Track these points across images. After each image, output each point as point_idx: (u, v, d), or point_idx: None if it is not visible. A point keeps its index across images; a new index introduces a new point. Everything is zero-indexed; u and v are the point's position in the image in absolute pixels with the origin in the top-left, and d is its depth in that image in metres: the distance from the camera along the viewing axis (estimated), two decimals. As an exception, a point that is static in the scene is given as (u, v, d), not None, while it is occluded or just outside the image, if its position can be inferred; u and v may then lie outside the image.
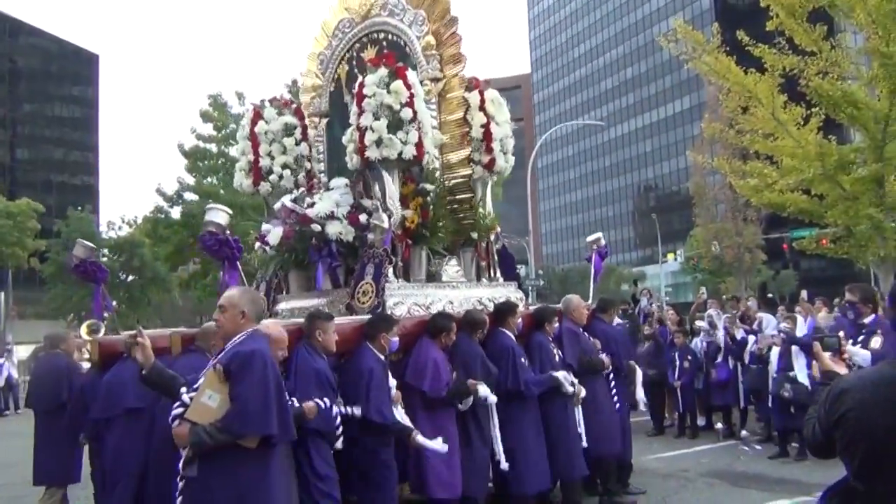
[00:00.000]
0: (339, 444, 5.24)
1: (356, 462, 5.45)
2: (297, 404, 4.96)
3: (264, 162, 8.24)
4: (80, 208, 47.43)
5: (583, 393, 6.98)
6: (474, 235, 7.73)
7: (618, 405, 7.58)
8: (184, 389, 4.04)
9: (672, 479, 8.42)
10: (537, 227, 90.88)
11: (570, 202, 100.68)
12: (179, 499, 3.89)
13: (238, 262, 6.48)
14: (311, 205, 7.37)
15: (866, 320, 6.47)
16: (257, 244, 7.86)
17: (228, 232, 6.49)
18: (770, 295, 15.70)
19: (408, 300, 6.73)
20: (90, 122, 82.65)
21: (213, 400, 3.90)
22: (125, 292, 42.36)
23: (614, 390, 7.61)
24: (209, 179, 29.66)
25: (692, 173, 46.58)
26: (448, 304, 6.97)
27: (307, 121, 8.50)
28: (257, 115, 8.35)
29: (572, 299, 7.71)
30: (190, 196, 29.65)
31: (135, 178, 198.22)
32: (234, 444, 3.83)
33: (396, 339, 5.89)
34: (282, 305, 7.42)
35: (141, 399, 5.52)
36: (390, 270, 6.66)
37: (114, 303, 7.52)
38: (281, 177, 8.20)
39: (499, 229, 8.21)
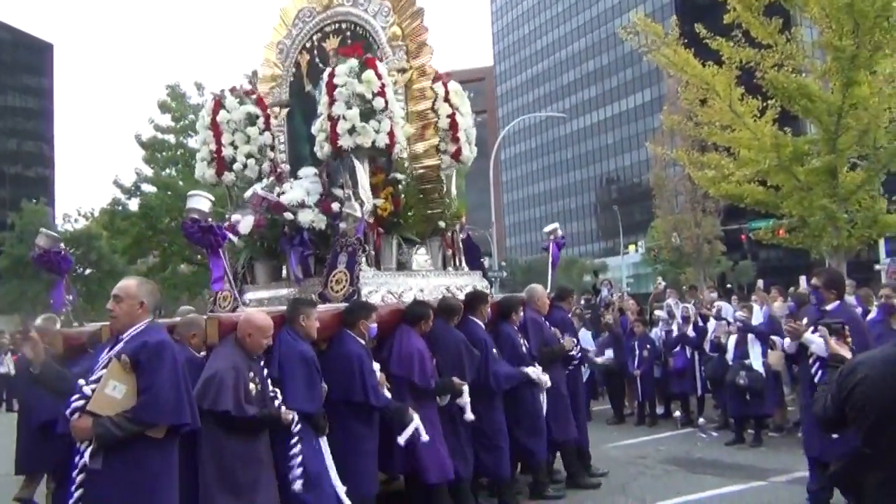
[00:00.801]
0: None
1: (338, 448, 5.46)
2: (279, 397, 4.99)
3: (227, 151, 8.14)
4: (34, 200, 46.53)
5: (548, 382, 7.14)
6: (442, 224, 7.79)
7: (574, 393, 7.81)
8: (82, 381, 3.95)
9: (631, 466, 8.53)
10: (500, 219, 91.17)
11: (533, 194, 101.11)
12: (78, 492, 3.80)
13: (221, 251, 6.38)
14: (281, 194, 7.34)
15: (829, 307, 6.20)
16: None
17: (210, 219, 6.39)
18: (729, 285, 15.94)
19: (381, 288, 6.79)
20: (45, 112, 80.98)
21: (119, 391, 3.85)
22: (82, 286, 41.64)
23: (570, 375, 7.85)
24: (168, 171, 29.22)
25: (652, 165, 47.12)
26: (419, 293, 7.03)
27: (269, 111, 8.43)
28: (218, 105, 8.25)
29: (536, 289, 7.86)
30: (148, 188, 29.18)
31: (91, 169, 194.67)
32: (141, 435, 3.84)
33: (375, 325, 5.95)
34: (249, 296, 7.36)
35: None
36: (363, 259, 6.70)
37: (71, 296, 7.38)
38: (245, 166, 8.13)
39: (464, 218, 8.28)
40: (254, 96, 8.37)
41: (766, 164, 17.23)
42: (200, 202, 6.41)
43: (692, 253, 42.80)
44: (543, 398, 7.17)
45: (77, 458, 3.84)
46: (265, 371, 5.08)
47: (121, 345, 3.97)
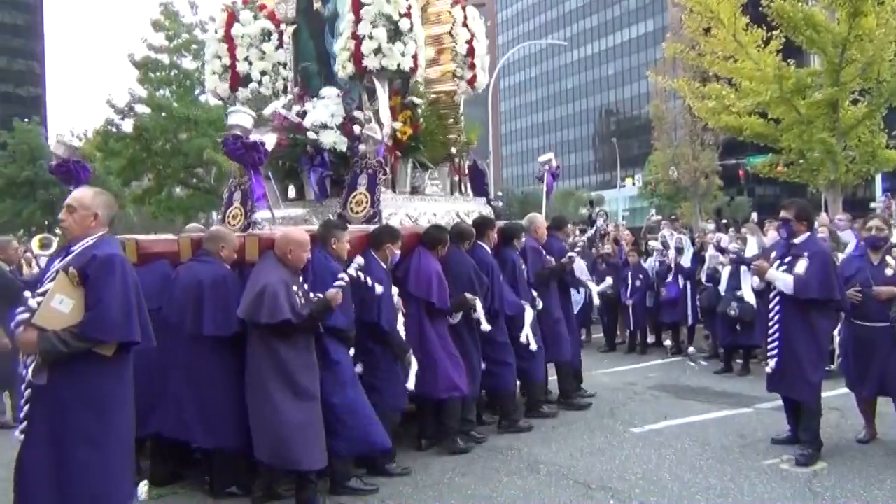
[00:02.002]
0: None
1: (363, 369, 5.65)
2: (320, 296, 5.11)
3: (241, 67, 8.04)
4: (27, 120, 45.92)
5: (540, 304, 7.37)
6: (453, 150, 7.85)
7: (567, 316, 7.99)
8: (28, 294, 3.75)
9: (620, 392, 8.69)
10: (498, 149, 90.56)
11: (531, 124, 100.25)
12: (27, 407, 3.69)
13: (262, 168, 6.35)
14: (301, 113, 7.25)
15: (797, 240, 6.01)
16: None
17: (252, 135, 6.34)
18: (724, 220, 15.95)
19: (399, 211, 6.91)
20: (34, 28, 79.28)
21: (66, 305, 3.67)
22: (77, 208, 41.40)
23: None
24: (162, 91, 28.81)
25: (652, 97, 46.55)
26: (432, 217, 7.12)
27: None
28: (231, 17, 8.10)
29: (537, 217, 7.98)
30: (142, 109, 28.79)
31: (84, 89, 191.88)
32: (89, 352, 3.68)
33: (399, 251, 6.02)
34: (259, 215, 7.33)
35: (147, 301, 5.53)
36: (382, 181, 6.72)
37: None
38: (260, 83, 8.02)
39: (475, 145, 8.38)
40: (265, 11, 8.21)
41: (767, 95, 17.04)
42: (242, 118, 6.32)
43: (689, 187, 42.65)
44: (536, 323, 7.32)
45: (24, 373, 3.70)
46: (306, 286, 5.21)
47: (70, 257, 3.79)
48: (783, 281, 5.91)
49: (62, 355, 3.62)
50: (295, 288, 5.06)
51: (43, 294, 3.71)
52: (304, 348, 5.08)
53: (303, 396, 4.99)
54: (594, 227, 13.78)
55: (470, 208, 7.79)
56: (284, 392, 4.95)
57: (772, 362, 6.05)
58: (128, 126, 29.02)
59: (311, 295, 5.17)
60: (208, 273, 5.41)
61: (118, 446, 3.78)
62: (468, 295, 6.40)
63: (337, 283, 5.08)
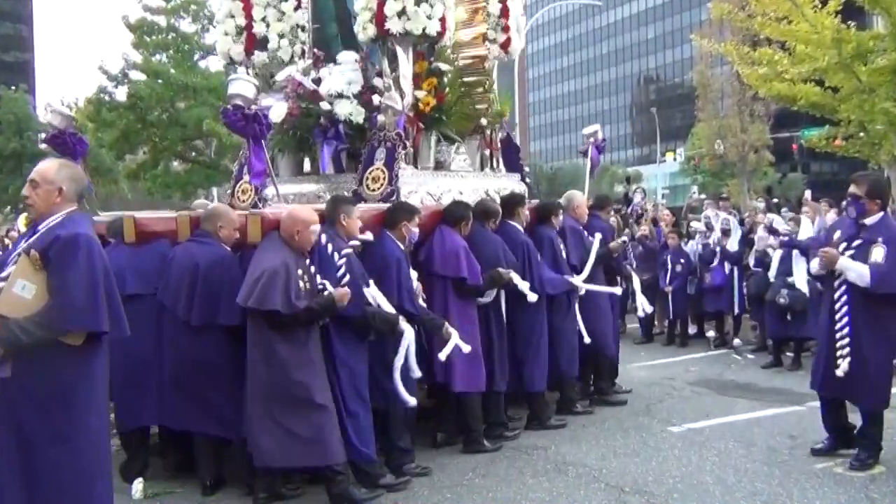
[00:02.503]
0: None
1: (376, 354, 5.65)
2: (329, 288, 5.14)
3: (258, 28, 8.00)
4: (13, 88, 46.21)
5: (583, 291, 7.36)
6: (484, 122, 7.81)
7: (612, 305, 8.03)
8: None
9: (657, 387, 8.67)
10: (525, 121, 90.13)
11: (562, 93, 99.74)
12: None
13: (264, 141, 6.34)
14: (317, 80, 7.26)
15: (869, 220, 5.68)
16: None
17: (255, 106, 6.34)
18: (776, 200, 15.70)
19: (420, 189, 6.85)
20: (22, -11, 79.74)
21: (28, 291, 3.60)
22: (66, 183, 41.75)
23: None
24: (158, 56, 28.95)
25: (696, 63, 46.12)
26: (458, 195, 7.10)
27: None
28: None
29: (576, 195, 7.97)
30: (136, 75, 28.95)
31: (75, 54, 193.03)
32: (56, 342, 3.62)
33: (416, 230, 6.02)
34: (270, 191, 7.35)
35: (139, 284, 5.64)
36: (402, 156, 6.71)
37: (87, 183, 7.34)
38: (279, 46, 7.98)
39: (507, 116, 8.35)
40: None
41: (824, 61, 16.81)
42: (244, 87, 6.30)
43: (737, 162, 42.29)
44: (578, 312, 7.36)
45: None
46: (313, 268, 5.23)
47: (34, 237, 3.71)
48: (857, 272, 5.57)
49: (25, 346, 3.57)
50: (300, 272, 5.06)
51: (5, 279, 3.65)
52: (304, 342, 5.06)
53: (303, 395, 4.99)
54: (630, 206, 13.77)
55: (502, 185, 7.77)
56: (282, 394, 4.97)
57: (844, 363, 5.68)
58: (121, 94, 29.23)
59: (319, 280, 5.18)
60: (205, 255, 5.45)
61: (88, 443, 3.75)
62: (501, 269, 6.36)
63: (341, 259, 5.15)
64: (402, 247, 5.92)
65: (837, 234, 5.93)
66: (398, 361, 5.47)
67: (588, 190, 8.42)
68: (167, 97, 28.15)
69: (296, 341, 5.02)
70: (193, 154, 31.26)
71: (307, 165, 7.91)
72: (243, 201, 7.07)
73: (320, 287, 5.19)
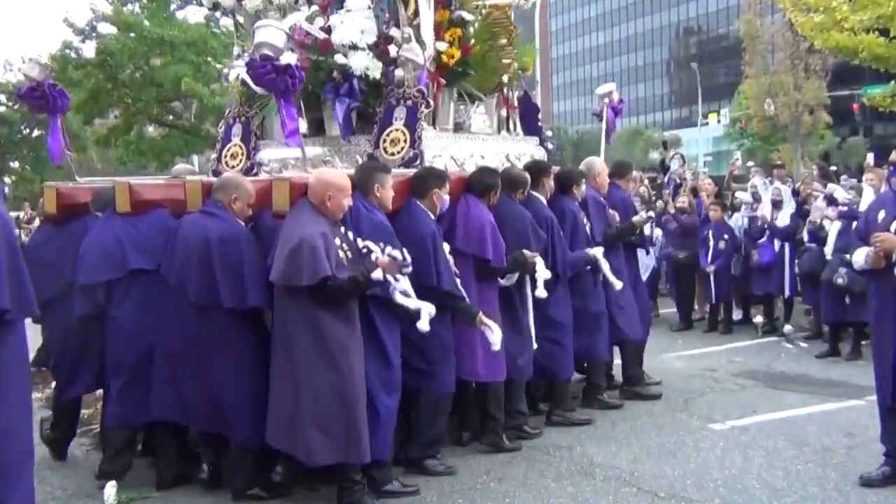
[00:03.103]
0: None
1: (410, 342, 5.71)
2: (378, 253, 5.25)
3: None
4: (-34, 43, 46.23)
5: (606, 269, 7.39)
6: (505, 78, 7.84)
7: (638, 284, 8.15)
8: None
9: (697, 380, 8.69)
10: (547, 79, 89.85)
11: (588, 47, 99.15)
12: None
13: (294, 96, 6.31)
14: (327, 29, 7.20)
15: None
16: (232, 75, 7.66)
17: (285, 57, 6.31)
18: (834, 167, 15.46)
19: (444, 152, 6.91)
20: (-25, -69, 79.56)
21: None
22: (29, 150, 41.88)
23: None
24: (130, 7, 28.91)
25: (743, 11, 45.82)
26: (479, 160, 7.13)
27: None
28: None
29: (596, 162, 8.03)
30: (106, 28, 28.93)
31: (36, 5, 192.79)
32: None
33: (447, 197, 6.07)
34: (266, 154, 7.32)
35: (142, 258, 5.68)
36: (424, 115, 6.71)
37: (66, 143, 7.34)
38: None
39: (531, 72, 8.39)
40: None
41: (889, 7, 16.65)
42: (273, 34, 6.25)
43: (789, 125, 42.09)
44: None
45: None
46: (351, 234, 5.32)
47: None
48: None
49: None
50: (338, 241, 5.13)
51: None
52: (354, 322, 5.19)
53: (350, 380, 5.10)
54: (666, 175, 13.71)
55: (520, 150, 7.79)
56: (328, 376, 5.06)
57: None
58: (89, 50, 29.21)
59: (362, 244, 5.27)
60: (217, 229, 5.42)
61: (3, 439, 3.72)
62: (527, 252, 6.40)
63: (393, 251, 5.22)
64: (433, 217, 5.97)
65: (882, 215, 5.55)
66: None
67: (605, 156, 8.43)
68: (140, 53, 28.12)
69: (348, 320, 5.16)
70: (171, 117, 31.26)
71: (303, 125, 7.90)
72: (232, 167, 7.06)
73: (365, 251, 5.28)
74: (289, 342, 5.17)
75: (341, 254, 5.10)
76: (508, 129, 8.19)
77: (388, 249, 5.34)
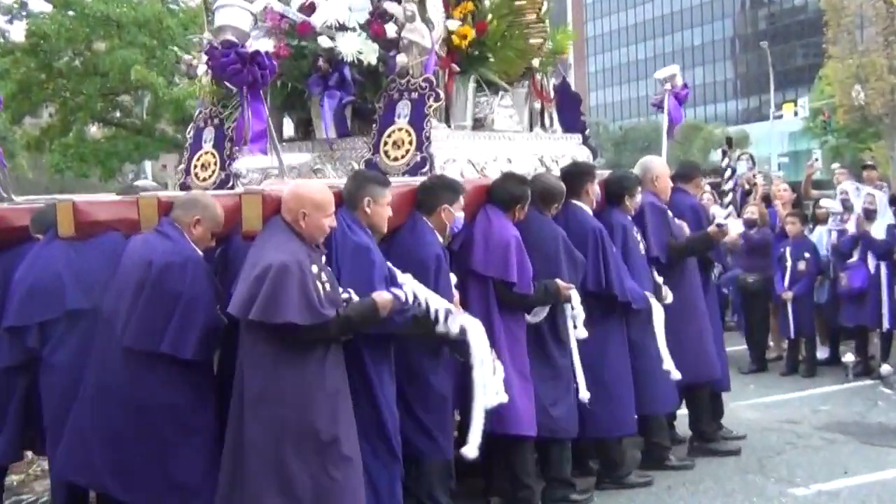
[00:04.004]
0: None
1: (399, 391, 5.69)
2: (354, 297, 5.16)
3: None
4: None
5: (670, 297, 7.38)
6: (536, 62, 7.85)
7: (713, 313, 8.13)
8: None
9: (774, 434, 8.65)
10: (583, 62, 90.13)
11: (634, 24, 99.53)
12: None
13: (262, 91, 6.31)
14: (307, 8, 7.27)
15: None
16: (202, 69, 7.74)
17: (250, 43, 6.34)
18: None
19: (459, 155, 6.90)
20: None
21: None
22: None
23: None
24: (67, -22, 29.15)
25: (826, -22, 45.90)
26: (505, 164, 7.15)
27: None
28: None
29: (654, 163, 7.95)
30: (38, 5, 29.19)
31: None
32: None
33: (461, 214, 6.07)
34: (244, 163, 7.37)
35: (84, 296, 5.66)
36: (433, 111, 6.74)
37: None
38: None
39: (568, 55, 8.45)
40: None
41: None
42: (237, 15, 6.29)
43: (883, 116, 42.05)
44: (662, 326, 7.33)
45: None
46: (328, 265, 5.26)
47: None
48: None
49: None
50: (316, 269, 5.06)
51: None
52: (324, 367, 5.04)
53: (324, 443, 4.97)
54: (732, 179, 13.69)
55: (558, 150, 7.80)
56: (292, 443, 4.93)
57: None
58: (18, 33, 29.43)
59: (338, 283, 5.20)
60: (163, 252, 5.38)
61: None
62: (561, 282, 6.34)
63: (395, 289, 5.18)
64: (441, 239, 5.96)
65: None
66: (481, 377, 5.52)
67: (666, 155, 8.43)
68: (81, 36, 28.30)
69: (313, 365, 5.00)
70: (118, 114, 31.43)
71: (289, 127, 7.95)
72: (203, 179, 7.10)
73: (345, 295, 5.20)
74: (246, 391, 5.01)
75: (319, 286, 5.00)
76: (543, 126, 8.19)
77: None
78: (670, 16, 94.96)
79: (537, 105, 8.18)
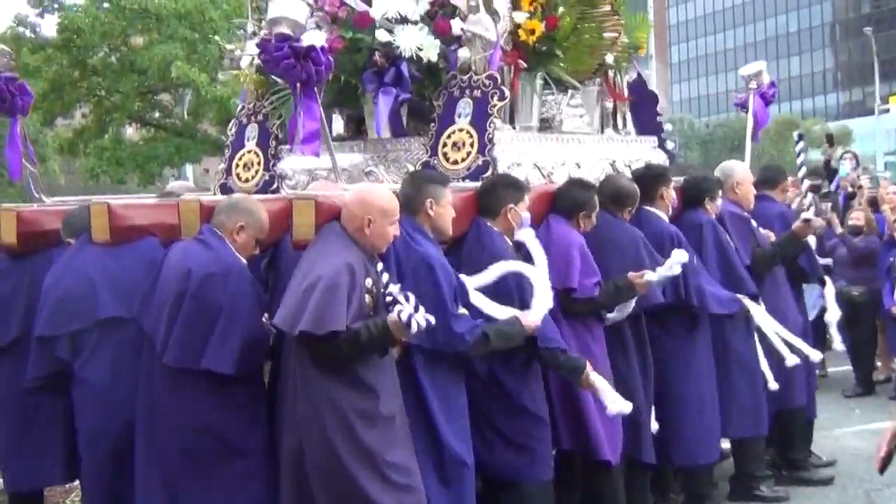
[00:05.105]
0: None
1: (486, 415, 5.73)
2: (403, 303, 5.06)
3: None
4: None
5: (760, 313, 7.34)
6: (610, 58, 7.88)
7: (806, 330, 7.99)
8: None
9: (883, 464, 8.56)
10: (664, 54, 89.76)
11: (721, 9, 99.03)
12: None
13: (317, 88, 6.37)
14: None
15: None
16: (245, 61, 7.87)
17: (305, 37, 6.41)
18: None
19: (524, 159, 6.89)
20: None
21: None
22: (-30, 162, 42.90)
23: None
24: (102, -30, 29.48)
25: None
26: (574, 169, 7.17)
27: None
28: None
29: (736, 168, 7.96)
30: (70, -1, 29.54)
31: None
32: None
33: (528, 214, 6.09)
34: (289, 163, 7.42)
35: (119, 304, 5.74)
36: (497, 110, 6.75)
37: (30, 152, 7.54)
38: None
39: (648, 46, 8.52)
40: None
41: None
42: (291, 7, 6.36)
43: None
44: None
45: None
46: (385, 276, 5.25)
47: None
48: None
49: None
50: (369, 282, 5.09)
51: None
52: (379, 387, 5.07)
53: (378, 472, 5.00)
54: (834, 181, 13.60)
55: (632, 154, 7.81)
56: (344, 472, 4.95)
57: None
58: (49, 27, 29.76)
59: (397, 291, 5.17)
60: (203, 262, 5.43)
61: None
62: (632, 275, 6.25)
63: (402, 310, 4.95)
64: (509, 242, 5.99)
65: None
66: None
67: (750, 158, 8.44)
68: (117, 30, 28.55)
69: (368, 380, 5.04)
70: (157, 114, 31.67)
71: (339, 125, 8.00)
72: (245, 180, 7.18)
73: (389, 297, 5.18)
74: (296, 411, 5.08)
75: (368, 299, 5.04)
76: (615, 127, 8.22)
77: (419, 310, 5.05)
78: (764, 2, 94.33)
79: (609, 104, 8.21)
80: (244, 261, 5.59)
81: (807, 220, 7.72)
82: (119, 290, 5.74)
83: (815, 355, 7.12)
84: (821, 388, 9.98)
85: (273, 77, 7.29)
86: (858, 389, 11.59)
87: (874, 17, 76.58)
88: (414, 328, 4.81)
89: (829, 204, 12.76)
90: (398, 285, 5.16)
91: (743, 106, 8.87)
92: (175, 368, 5.35)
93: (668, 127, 9.38)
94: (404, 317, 4.81)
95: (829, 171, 14.73)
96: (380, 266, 5.24)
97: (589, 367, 5.79)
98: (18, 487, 6.38)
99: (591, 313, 6.33)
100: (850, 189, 13.06)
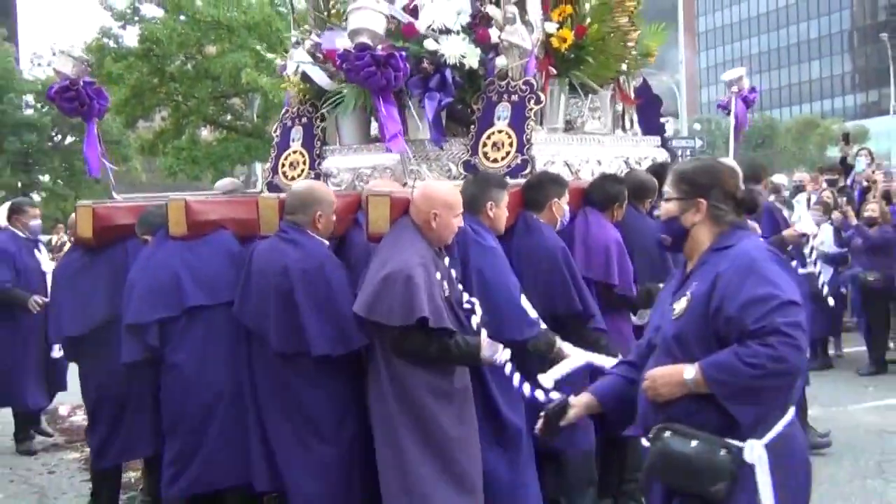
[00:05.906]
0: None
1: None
2: (477, 307, 5.19)
3: None
4: (-11, 33, 48.14)
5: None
6: (624, 66, 7.84)
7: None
8: None
9: (894, 438, 8.49)
10: (693, 58, 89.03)
11: (747, 18, 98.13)
12: None
13: (392, 94, 6.42)
14: (412, 9, 7.32)
15: None
16: (290, 68, 7.84)
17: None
18: None
19: (557, 158, 6.92)
20: None
21: None
22: (61, 161, 43.24)
23: None
24: (179, -16, 29.62)
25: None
26: (595, 167, 7.17)
27: None
28: None
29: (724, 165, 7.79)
30: (151, 10, 29.71)
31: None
32: None
33: (567, 207, 6.11)
34: (334, 162, 7.43)
35: (202, 293, 5.78)
36: (533, 114, 6.77)
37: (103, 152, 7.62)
38: None
39: (655, 56, 8.50)
40: None
41: None
42: (371, 18, 6.35)
43: None
44: None
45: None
46: (454, 271, 5.28)
47: None
48: None
49: None
50: (440, 275, 5.09)
51: None
52: (457, 385, 5.13)
53: (444, 449, 5.05)
54: (850, 176, 13.46)
55: (640, 153, 7.79)
56: (417, 443, 5.02)
57: None
58: (131, 38, 29.94)
59: (460, 288, 5.23)
60: (298, 258, 5.45)
61: None
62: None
63: (497, 353, 5.05)
64: (555, 233, 5.98)
65: None
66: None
67: (734, 156, 8.40)
68: (192, 40, 28.72)
69: (446, 381, 5.10)
70: (229, 117, 31.85)
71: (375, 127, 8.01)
72: (292, 178, 7.19)
73: (468, 305, 5.21)
74: (380, 395, 5.13)
75: (441, 292, 5.04)
76: (624, 128, 8.18)
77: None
78: (785, 9, 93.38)
79: (619, 107, 8.17)
80: (328, 249, 5.63)
81: (803, 235, 7.73)
82: (201, 280, 5.77)
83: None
84: (836, 367, 9.99)
85: (318, 84, 7.38)
86: (872, 368, 11.50)
87: (890, 24, 75.58)
88: (498, 363, 5.01)
89: (845, 197, 12.68)
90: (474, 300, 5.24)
91: (725, 108, 8.84)
92: (281, 355, 5.41)
93: (696, 127, 9.32)
94: (499, 359, 5.01)
95: (845, 167, 14.59)
96: (447, 260, 5.28)
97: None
98: (104, 461, 6.43)
99: (626, 305, 6.35)
100: (865, 183, 12.91)
